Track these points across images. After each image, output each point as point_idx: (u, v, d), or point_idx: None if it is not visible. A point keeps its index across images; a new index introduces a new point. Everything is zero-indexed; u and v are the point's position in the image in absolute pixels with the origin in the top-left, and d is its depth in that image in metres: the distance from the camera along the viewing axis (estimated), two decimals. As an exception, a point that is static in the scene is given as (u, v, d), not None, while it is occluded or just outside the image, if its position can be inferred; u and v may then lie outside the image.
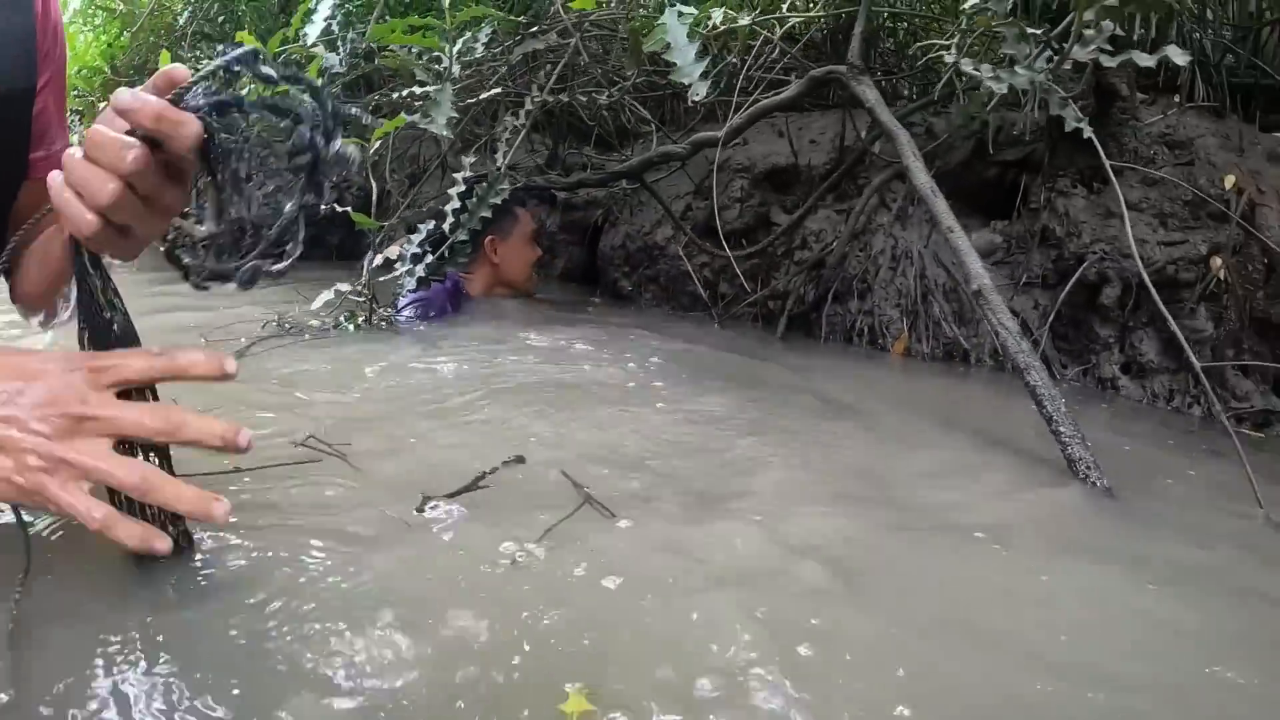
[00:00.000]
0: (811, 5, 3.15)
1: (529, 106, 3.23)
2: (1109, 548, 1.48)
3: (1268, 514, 1.76)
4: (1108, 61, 2.19)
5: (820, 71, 2.94)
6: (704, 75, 2.64)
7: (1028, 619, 1.13)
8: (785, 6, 3.10)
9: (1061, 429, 1.95)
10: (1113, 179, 2.44)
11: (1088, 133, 2.40)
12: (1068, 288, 2.93)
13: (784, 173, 3.29)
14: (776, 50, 3.21)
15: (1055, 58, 2.28)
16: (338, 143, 0.78)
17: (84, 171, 0.80)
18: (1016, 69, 2.30)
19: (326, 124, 0.78)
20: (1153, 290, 2.37)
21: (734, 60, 3.24)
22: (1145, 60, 2.17)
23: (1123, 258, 2.93)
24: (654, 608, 0.98)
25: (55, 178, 0.83)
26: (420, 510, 1.18)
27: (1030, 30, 2.25)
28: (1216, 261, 2.89)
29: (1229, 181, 2.94)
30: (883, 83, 3.43)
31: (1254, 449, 2.64)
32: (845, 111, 3.20)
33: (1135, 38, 3.20)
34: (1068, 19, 2.24)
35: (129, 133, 0.80)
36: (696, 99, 2.50)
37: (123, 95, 0.78)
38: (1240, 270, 2.87)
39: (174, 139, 0.79)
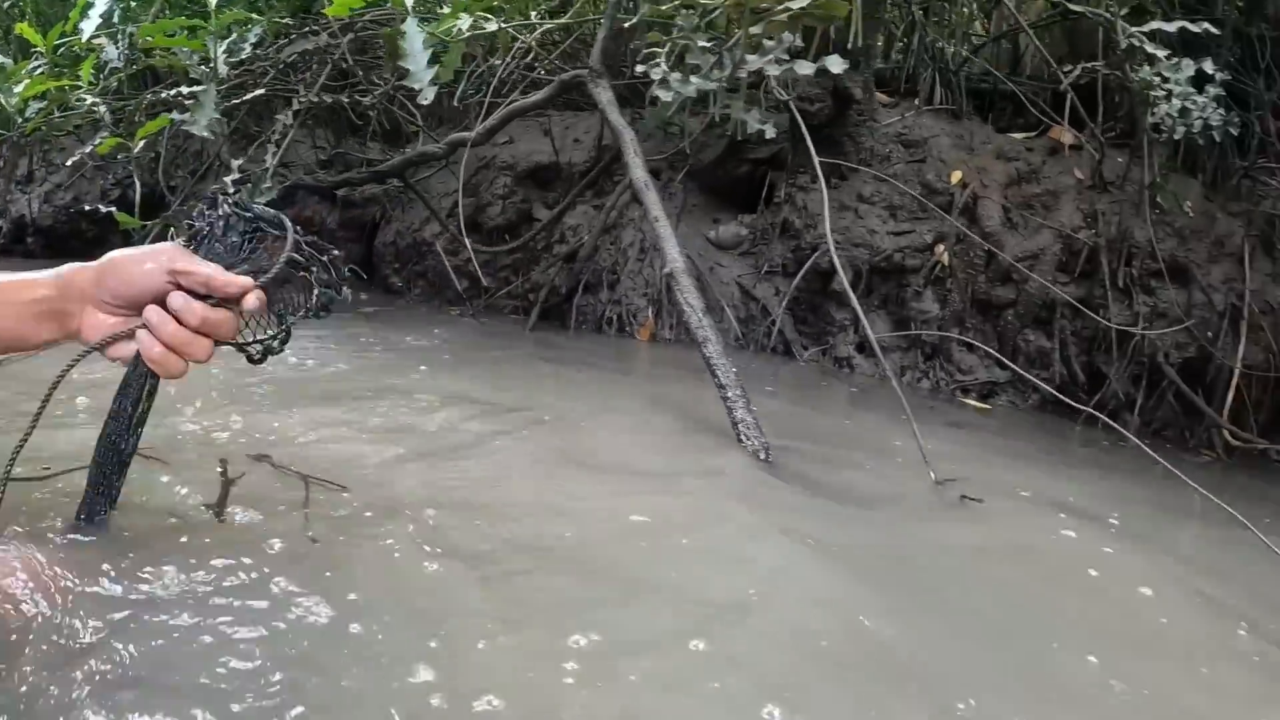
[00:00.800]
0: (559, 14, 3.26)
1: (296, 106, 3.26)
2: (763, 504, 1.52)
3: (934, 477, 1.82)
4: (772, 70, 2.27)
5: (568, 75, 3.02)
6: (444, 80, 2.75)
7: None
8: (535, 15, 3.19)
9: (729, 394, 2.00)
10: (820, 178, 2.52)
11: (770, 133, 2.47)
12: (801, 274, 3.01)
13: (546, 170, 3.36)
14: (531, 55, 3.30)
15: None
16: (345, 293, 1.16)
17: (185, 337, 1.00)
18: (691, 79, 2.39)
19: (340, 278, 1.14)
20: (844, 279, 2.45)
21: (496, 63, 3.32)
22: (805, 69, 2.26)
23: (853, 246, 3.02)
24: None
25: (149, 340, 1.01)
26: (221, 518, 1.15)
27: (703, 45, 2.34)
28: (940, 249, 2.99)
29: (955, 177, 3.07)
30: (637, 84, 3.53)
31: (981, 419, 2.73)
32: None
33: (873, 44, 3.35)
34: (738, 34, 2.33)
35: (206, 297, 1.02)
36: (424, 103, 2.59)
37: (244, 290, 1.03)
38: (963, 256, 2.98)
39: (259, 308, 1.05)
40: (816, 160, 2.60)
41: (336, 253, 1.16)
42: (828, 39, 3.06)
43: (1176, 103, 2.63)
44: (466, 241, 2.97)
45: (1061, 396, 2.54)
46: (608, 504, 1.41)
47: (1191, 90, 2.61)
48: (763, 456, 1.81)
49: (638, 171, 2.71)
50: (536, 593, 1.08)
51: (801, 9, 2.19)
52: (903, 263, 2.98)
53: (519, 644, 0.94)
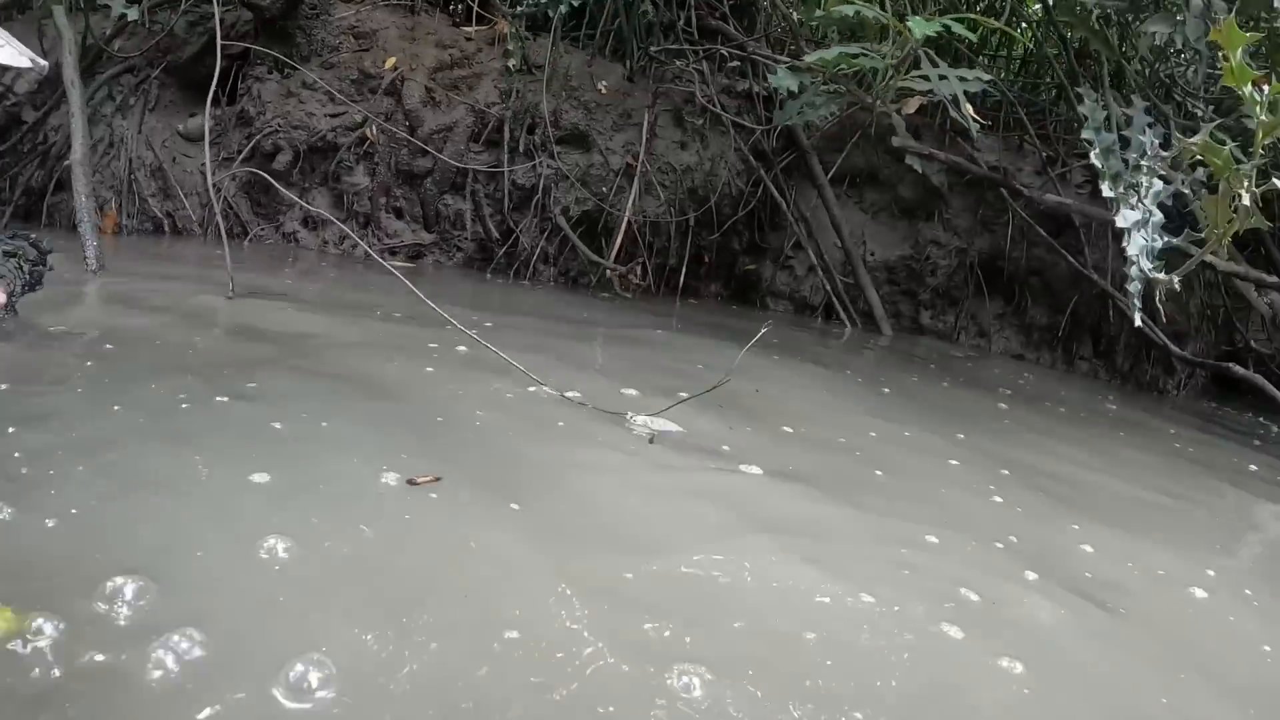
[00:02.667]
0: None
1: None
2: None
3: (232, 289, 2.20)
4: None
5: (32, -21, 3.21)
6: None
7: None
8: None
9: (84, 233, 2.39)
10: (216, 77, 2.81)
11: (135, 16, 2.76)
12: (242, 155, 3.26)
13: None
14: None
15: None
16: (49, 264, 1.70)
17: None
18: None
19: (44, 260, 1.66)
20: (209, 180, 2.68)
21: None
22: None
23: (293, 129, 3.28)
24: None
25: None
26: None
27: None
28: (369, 127, 3.27)
29: (389, 63, 3.36)
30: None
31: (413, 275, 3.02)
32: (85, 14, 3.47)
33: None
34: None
35: None
36: None
37: None
38: (388, 133, 3.26)
39: None
40: (220, 50, 2.89)
41: (33, 236, 1.66)
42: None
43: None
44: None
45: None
46: None
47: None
48: (94, 269, 2.43)
49: (69, 71, 3.00)
50: None
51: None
52: (335, 141, 3.26)
53: None
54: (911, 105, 3.12)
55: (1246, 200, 2.12)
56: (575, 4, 3.01)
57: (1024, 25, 3.92)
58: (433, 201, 3.25)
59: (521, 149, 3.24)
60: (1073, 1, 3.23)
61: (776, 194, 3.40)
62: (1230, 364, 3.51)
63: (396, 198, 3.27)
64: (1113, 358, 3.86)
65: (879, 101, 2.99)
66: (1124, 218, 2.29)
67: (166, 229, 3.29)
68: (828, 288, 3.43)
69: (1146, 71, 3.36)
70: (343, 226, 2.96)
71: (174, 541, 0.95)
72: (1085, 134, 2.52)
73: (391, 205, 3.27)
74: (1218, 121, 2.60)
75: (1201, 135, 2.11)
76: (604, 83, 3.38)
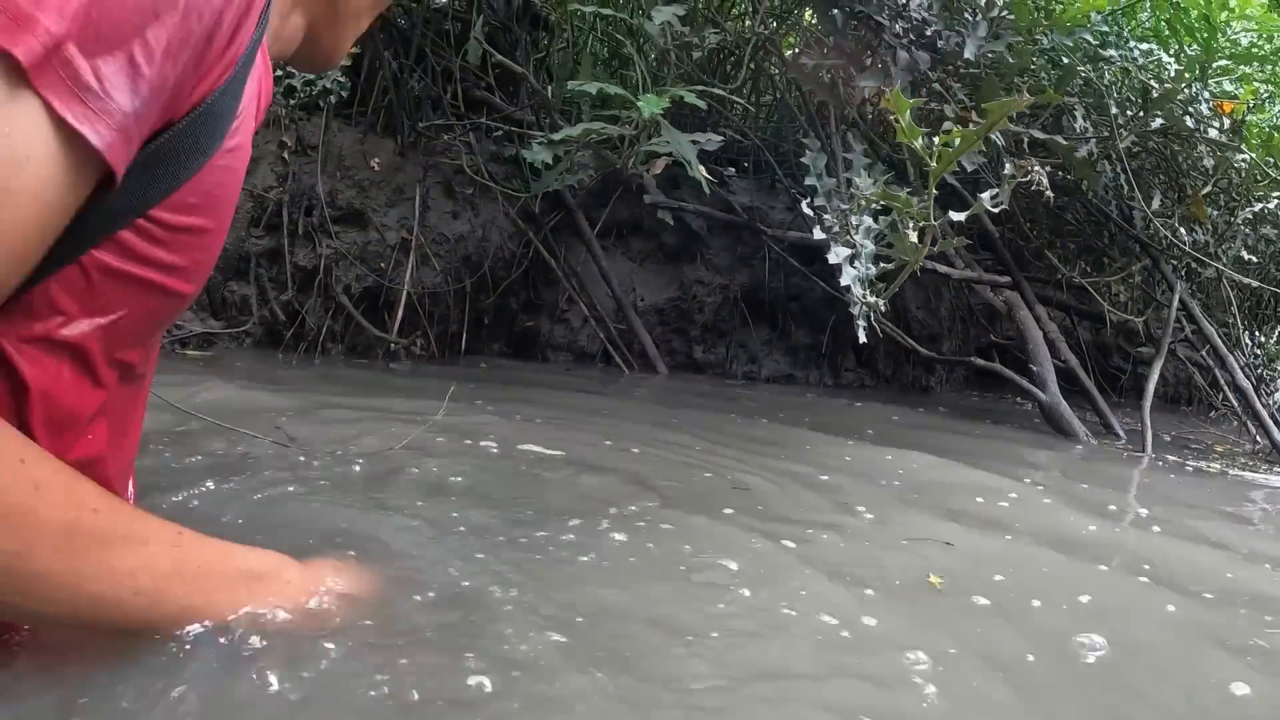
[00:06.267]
0: None
1: None
2: None
3: None
4: None
5: None
6: None
7: None
8: None
9: None
10: None
11: None
12: None
13: None
14: None
15: None
16: None
17: None
18: None
19: None
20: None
21: None
22: None
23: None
24: None
25: None
26: None
27: None
28: (148, 221, 3.45)
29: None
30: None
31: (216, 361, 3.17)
32: None
33: None
34: None
35: None
36: None
37: None
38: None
39: None
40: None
41: None
42: None
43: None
44: None
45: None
46: None
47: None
48: None
49: None
50: None
51: None
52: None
53: None
54: (658, 166, 3.44)
55: (914, 237, 2.49)
56: (345, 95, 3.24)
57: (775, 75, 4.31)
58: (218, 289, 3.45)
59: (301, 231, 3.46)
60: (800, 61, 3.61)
61: (545, 253, 3.70)
62: (973, 358, 3.97)
63: (183, 287, 3.45)
64: (875, 365, 4.31)
65: (631, 165, 3.31)
66: (835, 254, 2.57)
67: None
68: (601, 336, 3.76)
69: (869, 118, 3.77)
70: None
71: None
72: (808, 180, 2.84)
73: None
74: (891, 174, 2.98)
75: (878, 185, 2.52)
76: (376, 159, 3.62)
